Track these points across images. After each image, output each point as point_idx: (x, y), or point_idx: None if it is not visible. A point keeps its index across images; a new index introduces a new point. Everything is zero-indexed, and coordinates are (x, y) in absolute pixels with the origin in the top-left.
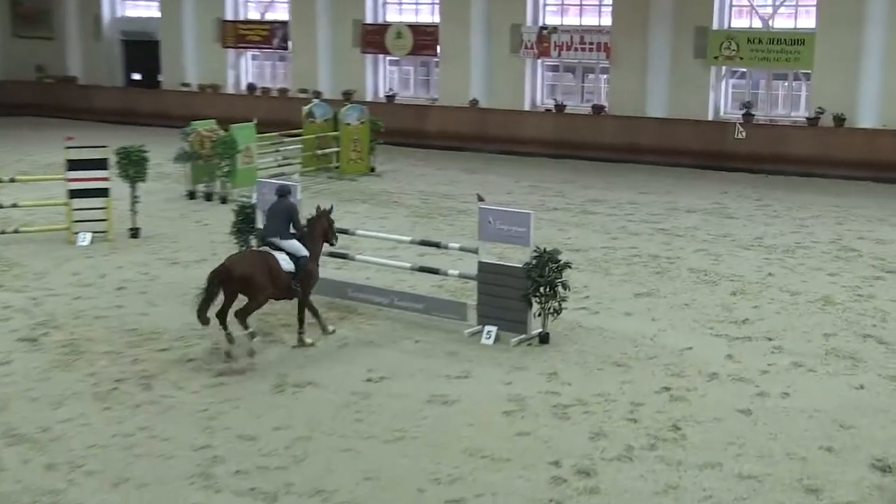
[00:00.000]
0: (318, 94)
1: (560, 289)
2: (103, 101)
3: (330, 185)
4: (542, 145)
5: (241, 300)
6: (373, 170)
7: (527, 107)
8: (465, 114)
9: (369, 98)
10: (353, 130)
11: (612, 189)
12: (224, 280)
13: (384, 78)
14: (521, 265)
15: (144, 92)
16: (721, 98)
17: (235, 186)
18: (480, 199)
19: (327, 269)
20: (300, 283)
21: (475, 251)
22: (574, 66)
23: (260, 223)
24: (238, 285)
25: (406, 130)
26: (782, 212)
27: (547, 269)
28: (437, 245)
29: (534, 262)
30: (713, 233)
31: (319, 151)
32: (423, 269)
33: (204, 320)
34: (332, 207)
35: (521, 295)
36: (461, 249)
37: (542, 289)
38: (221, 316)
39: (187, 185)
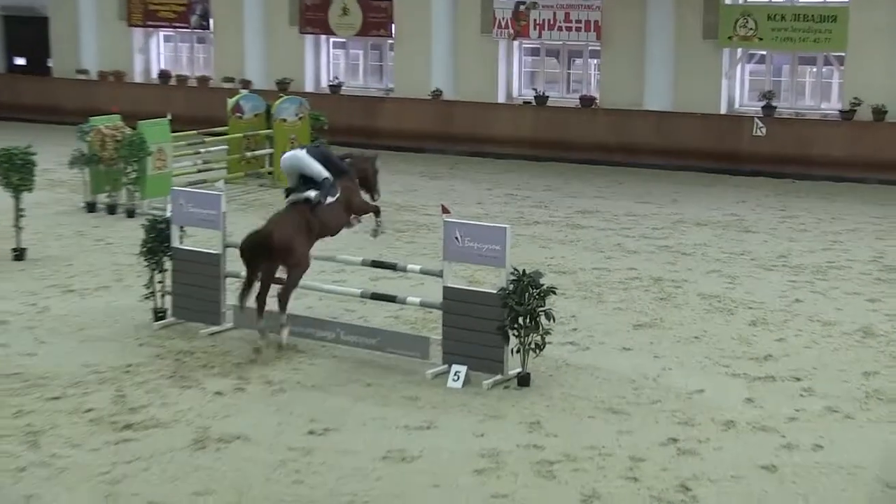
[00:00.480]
0: (246, 84)
1: (543, 319)
2: None
3: (262, 195)
4: (519, 145)
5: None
6: None
7: (501, 99)
8: (426, 107)
9: (309, 88)
10: (290, 128)
11: (606, 198)
12: (265, 251)
13: (328, 64)
14: (495, 291)
15: (30, 80)
16: (736, 87)
17: (145, 197)
18: (445, 210)
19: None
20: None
21: (439, 274)
22: (558, 50)
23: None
24: (279, 255)
25: (354, 127)
26: (811, 224)
27: (527, 295)
28: (392, 267)
29: (511, 286)
30: (728, 250)
31: (249, 154)
32: (376, 297)
33: (245, 308)
34: (377, 156)
35: (495, 327)
36: (422, 272)
37: (521, 319)
38: (261, 301)
39: (85, 195)
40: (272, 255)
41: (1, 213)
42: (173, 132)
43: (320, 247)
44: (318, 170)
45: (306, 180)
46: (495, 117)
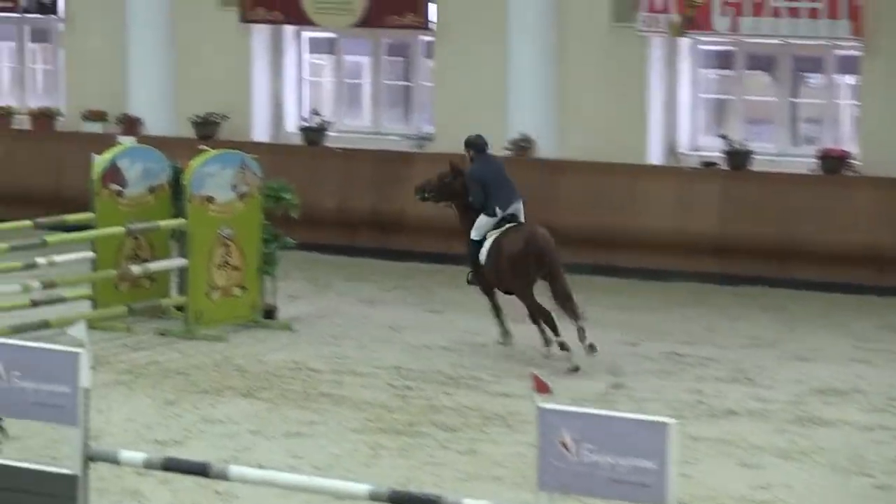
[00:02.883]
0: (130, 126)
1: None
2: None
3: (163, 355)
4: (693, 251)
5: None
6: (269, 313)
7: (655, 157)
8: (510, 171)
9: (261, 135)
10: (221, 215)
11: (873, 363)
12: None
13: (297, 85)
14: None
15: None
16: None
17: None
18: (541, 385)
19: None
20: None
21: None
22: (773, 57)
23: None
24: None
25: (356, 214)
26: None
27: None
28: (434, 502)
29: None
30: None
31: (134, 268)
32: None
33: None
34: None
35: None
36: None
37: None
38: (569, 307)
39: None
40: (550, 257)
41: None
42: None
43: (281, 457)
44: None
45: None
46: (642, 195)
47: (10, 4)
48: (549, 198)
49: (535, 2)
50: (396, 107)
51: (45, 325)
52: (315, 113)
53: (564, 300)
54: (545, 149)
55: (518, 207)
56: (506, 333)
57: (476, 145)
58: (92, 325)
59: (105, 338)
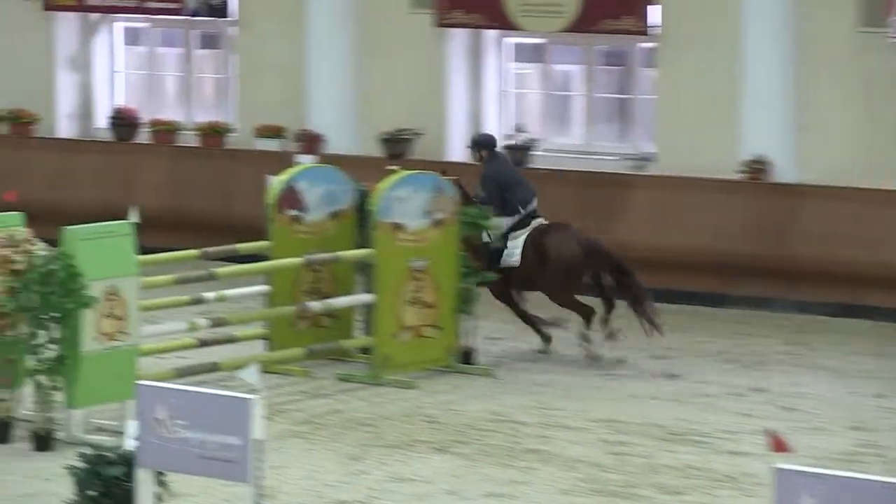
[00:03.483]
0: (310, 144)
1: None
2: None
3: (346, 404)
4: None
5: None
6: (466, 356)
7: None
8: (734, 202)
9: (457, 151)
10: (414, 244)
11: None
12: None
13: (498, 98)
14: None
15: None
16: None
17: (76, 404)
18: (778, 444)
19: None
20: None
21: None
22: None
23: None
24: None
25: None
26: None
27: None
28: None
29: None
30: None
31: (313, 304)
32: None
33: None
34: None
35: None
36: None
37: None
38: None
39: None
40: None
41: None
42: (143, 252)
43: None
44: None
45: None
46: None
47: (175, 6)
48: (787, 228)
49: (774, 5)
50: (611, 122)
51: (213, 367)
52: (519, 129)
53: (641, 296)
54: (783, 172)
55: (535, 204)
56: (547, 339)
57: (489, 145)
58: (266, 368)
59: (280, 383)
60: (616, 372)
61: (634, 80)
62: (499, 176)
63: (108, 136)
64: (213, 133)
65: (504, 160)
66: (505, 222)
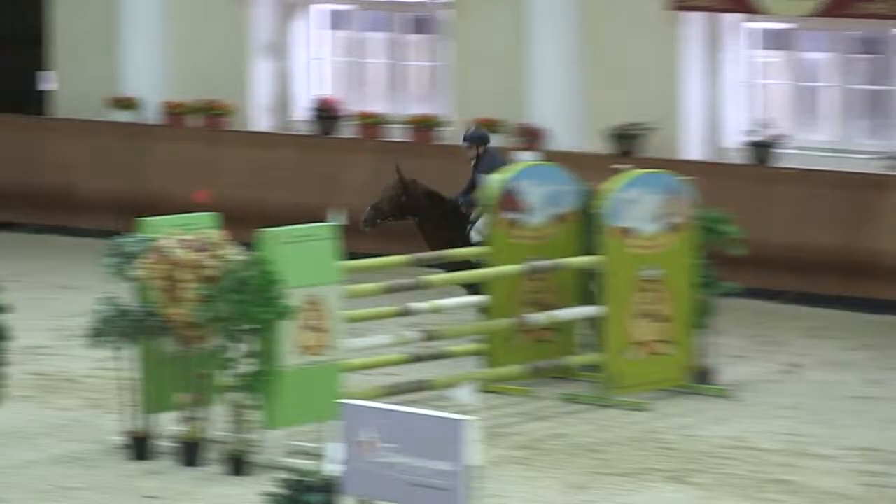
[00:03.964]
0: (531, 140)
1: None
2: None
3: (570, 427)
4: None
5: None
6: (704, 376)
7: None
8: None
9: (693, 148)
10: (647, 251)
11: None
12: None
13: (741, 88)
14: None
15: (5, 120)
16: None
17: (275, 424)
18: None
19: None
20: None
21: None
22: None
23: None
24: None
25: (816, 250)
26: None
27: None
28: None
29: None
30: None
31: (534, 316)
32: None
33: None
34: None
35: None
36: None
37: None
38: None
39: (127, 414)
40: None
41: None
42: (350, 256)
43: None
44: None
45: None
46: None
47: None
48: None
49: None
50: (865, 117)
51: (424, 385)
52: (764, 124)
53: None
54: None
55: None
56: None
57: (485, 139)
58: (482, 387)
59: (498, 403)
60: (874, 394)
61: (891, 69)
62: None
63: (307, 129)
64: (424, 127)
65: (498, 156)
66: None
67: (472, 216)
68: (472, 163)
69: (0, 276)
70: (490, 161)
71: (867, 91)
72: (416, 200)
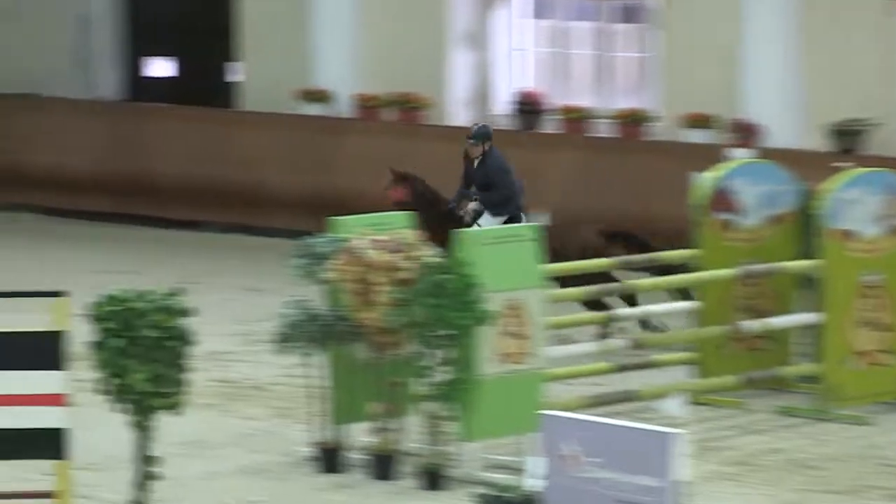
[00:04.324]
0: (744, 134)
1: None
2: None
3: (786, 441)
4: None
5: None
6: None
7: None
8: None
9: None
10: (869, 255)
11: None
12: None
13: None
14: None
15: (177, 117)
16: None
17: (473, 437)
18: None
19: None
20: None
21: None
22: None
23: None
24: None
25: None
26: None
27: None
28: None
29: None
30: None
31: (749, 324)
32: None
33: None
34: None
35: None
36: None
37: None
38: None
39: (317, 426)
40: None
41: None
42: (553, 259)
43: None
44: None
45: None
46: None
47: None
48: None
49: None
50: None
51: (630, 396)
52: None
53: None
54: None
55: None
56: None
57: (490, 135)
58: (692, 398)
59: (709, 416)
60: None
61: None
62: (508, 167)
63: (508, 124)
64: (632, 122)
65: (500, 153)
66: (493, 221)
67: (468, 217)
68: (477, 160)
69: (183, 277)
70: (495, 159)
71: None
72: (425, 198)
